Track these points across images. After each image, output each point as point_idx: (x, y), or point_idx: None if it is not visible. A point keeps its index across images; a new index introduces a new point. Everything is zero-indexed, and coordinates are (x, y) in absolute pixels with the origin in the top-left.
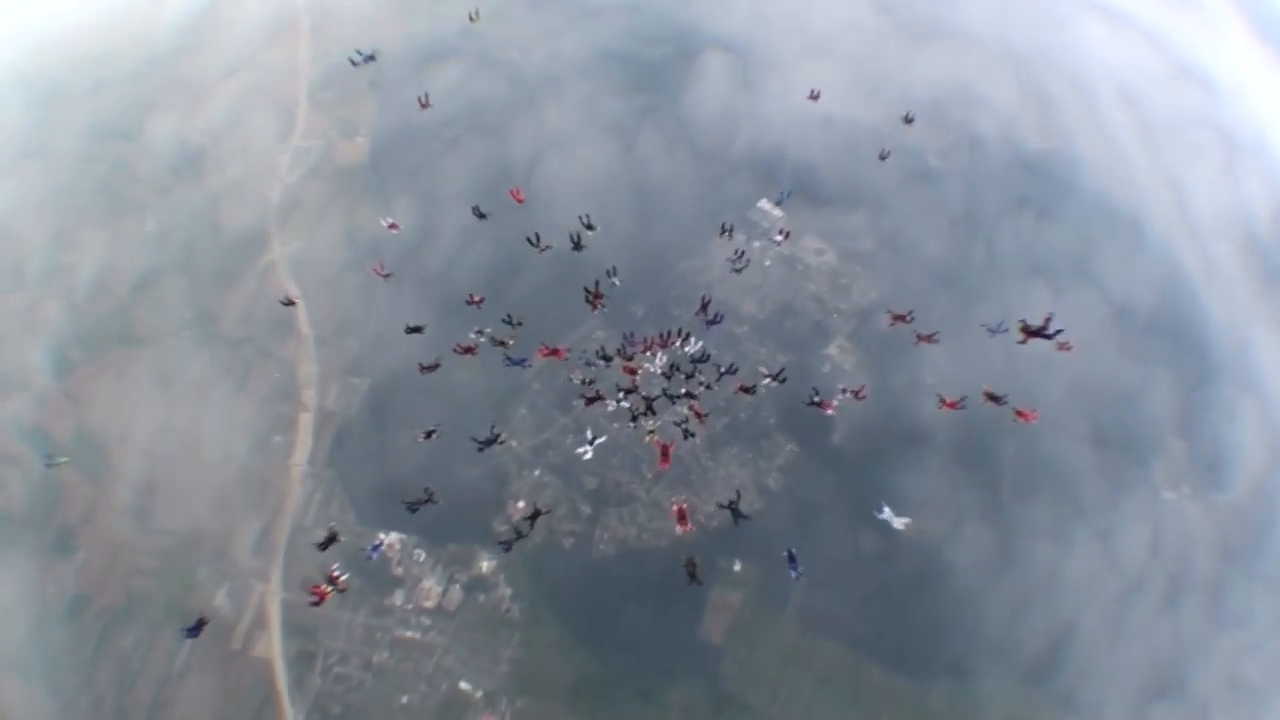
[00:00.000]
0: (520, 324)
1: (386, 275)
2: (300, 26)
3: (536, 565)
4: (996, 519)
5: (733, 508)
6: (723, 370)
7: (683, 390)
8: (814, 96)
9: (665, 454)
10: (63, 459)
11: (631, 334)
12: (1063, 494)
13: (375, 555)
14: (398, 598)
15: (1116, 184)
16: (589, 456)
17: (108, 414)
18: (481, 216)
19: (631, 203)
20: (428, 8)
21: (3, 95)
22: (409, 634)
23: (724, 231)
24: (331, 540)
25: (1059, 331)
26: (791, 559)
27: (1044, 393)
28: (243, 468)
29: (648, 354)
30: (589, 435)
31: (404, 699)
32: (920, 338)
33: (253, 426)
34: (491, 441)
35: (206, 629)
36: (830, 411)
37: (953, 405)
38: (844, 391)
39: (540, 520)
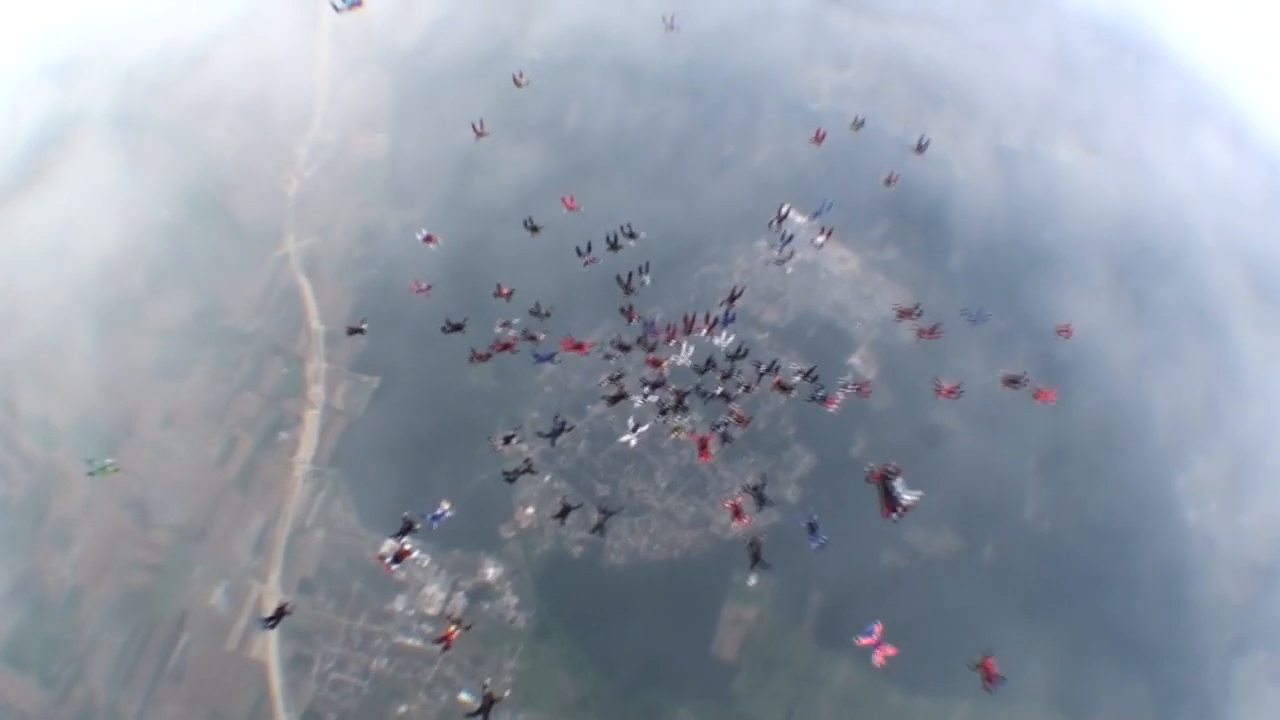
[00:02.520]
0: (549, 314)
1: (426, 289)
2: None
3: (544, 574)
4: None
5: (758, 492)
6: (763, 369)
7: (719, 389)
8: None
9: (704, 447)
10: (109, 461)
11: (652, 321)
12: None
13: (436, 525)
14: (399, 603)
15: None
16: (633, 445)
17: (113, 406)
18: (534, 230)
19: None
20: None
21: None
22: (409, 641)
23: (779, 218)
24: (408, 529)
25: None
26: (813, 528)
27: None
28: (246, 464)
29: (672, 343)
30: (631, 424)
31: (402, 708)
32: (922, 333)
33: (259, 422)
34: (559, 431)
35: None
36: (833, 408)
37: (949, 392)
38: (846, 387)
39: (572, 515)
